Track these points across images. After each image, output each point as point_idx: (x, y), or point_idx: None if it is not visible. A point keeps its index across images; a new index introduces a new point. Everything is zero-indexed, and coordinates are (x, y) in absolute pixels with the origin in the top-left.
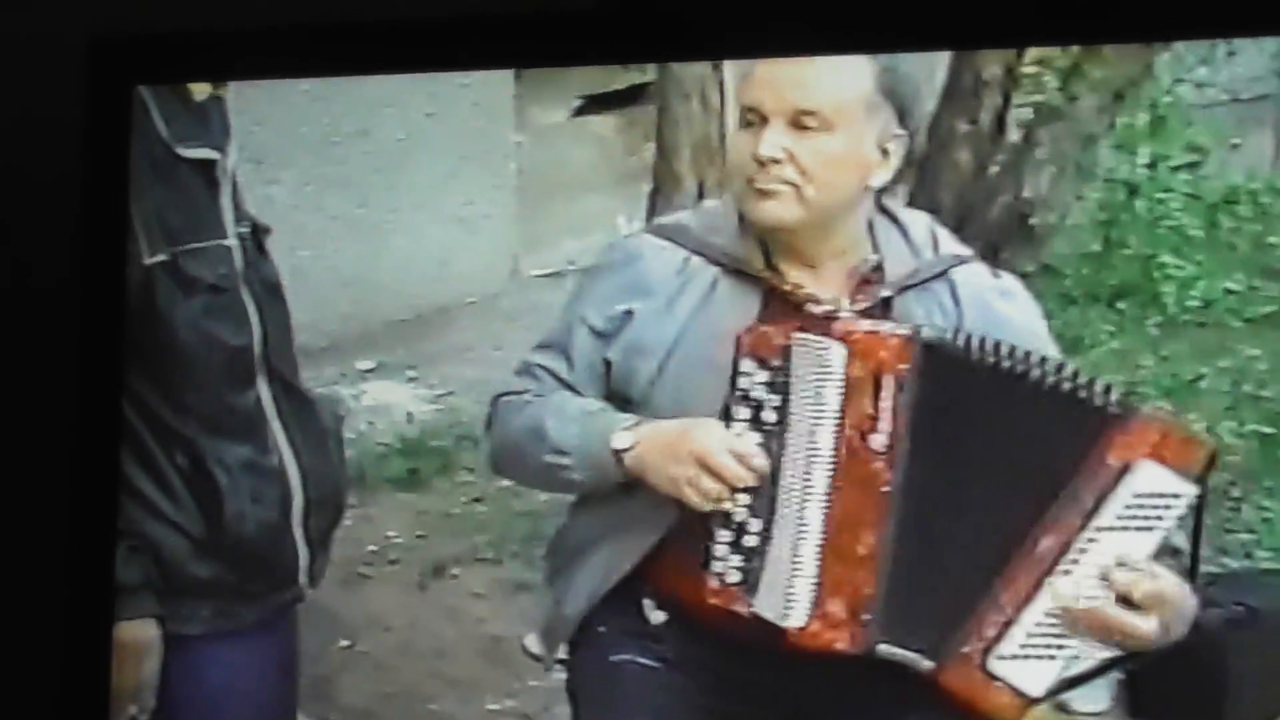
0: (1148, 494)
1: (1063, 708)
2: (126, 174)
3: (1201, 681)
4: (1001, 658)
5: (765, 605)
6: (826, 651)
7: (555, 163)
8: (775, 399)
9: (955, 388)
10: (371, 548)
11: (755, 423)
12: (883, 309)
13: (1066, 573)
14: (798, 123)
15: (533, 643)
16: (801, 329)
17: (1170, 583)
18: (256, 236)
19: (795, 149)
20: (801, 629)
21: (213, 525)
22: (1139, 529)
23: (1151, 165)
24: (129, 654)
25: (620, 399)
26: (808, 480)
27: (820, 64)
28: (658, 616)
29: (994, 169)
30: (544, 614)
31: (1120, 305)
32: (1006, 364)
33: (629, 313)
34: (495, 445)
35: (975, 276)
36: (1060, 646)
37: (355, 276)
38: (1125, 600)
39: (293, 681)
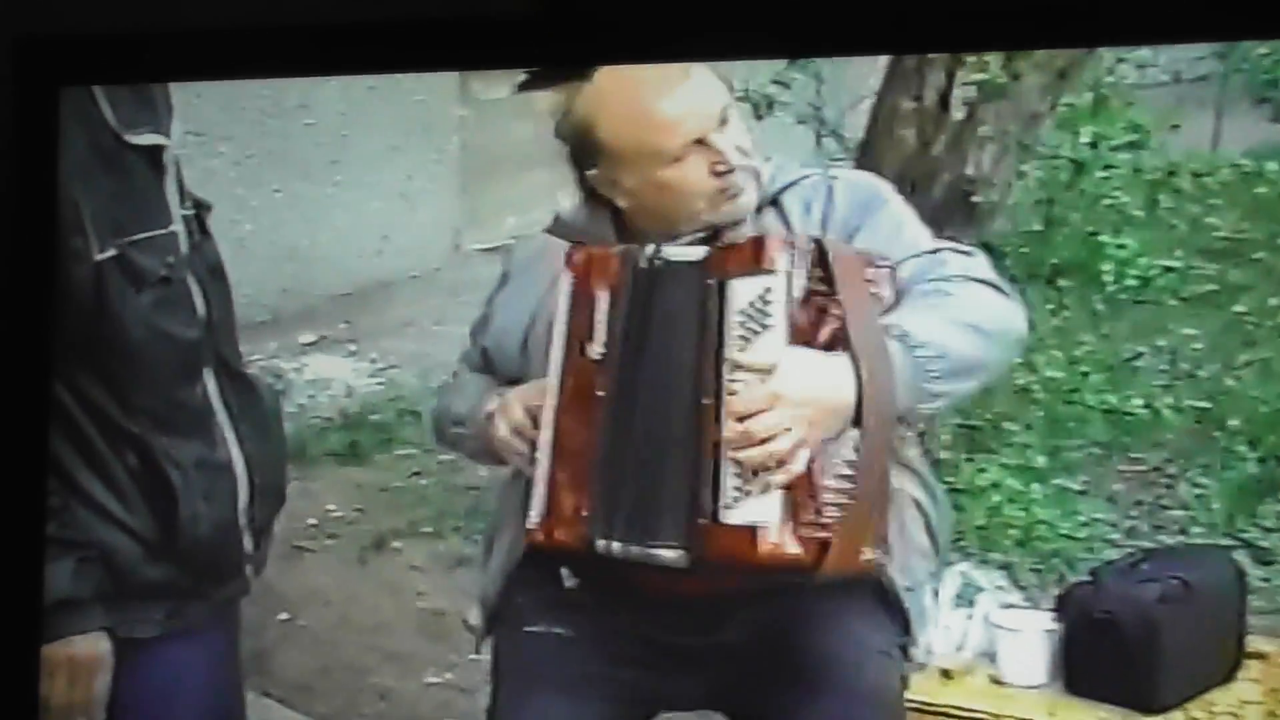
0: (746, 305)
1: (999, 681)
2: (55, 175)
3: (1136, 655)
4: (727, 508)
5: (530, 517)
6: (559, 547)
7: (498, 138)
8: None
9: (657, 295)
10: (311, 521)
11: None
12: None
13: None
14: (720, 126)
15: (474, 617)
16: None
17: (790, 369)
18: (199, 216)
19: (735, 144)
20: (537, 526)
21: (166, 527)
22: (758, 335)
23: (1093, 144)
24: (81, 670)
25: (507, 379)
26: (549, 393)
27: (698, 76)
28: (571, 581)
29: (937, 147)
30: (479, 594)
31: (1061, 283)
32: (661, 257)
33: (492, 304)
34: (431, 420)
35: (801, 190)
36: (765, 479)
37: (296, 250)
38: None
39: (238, 670)
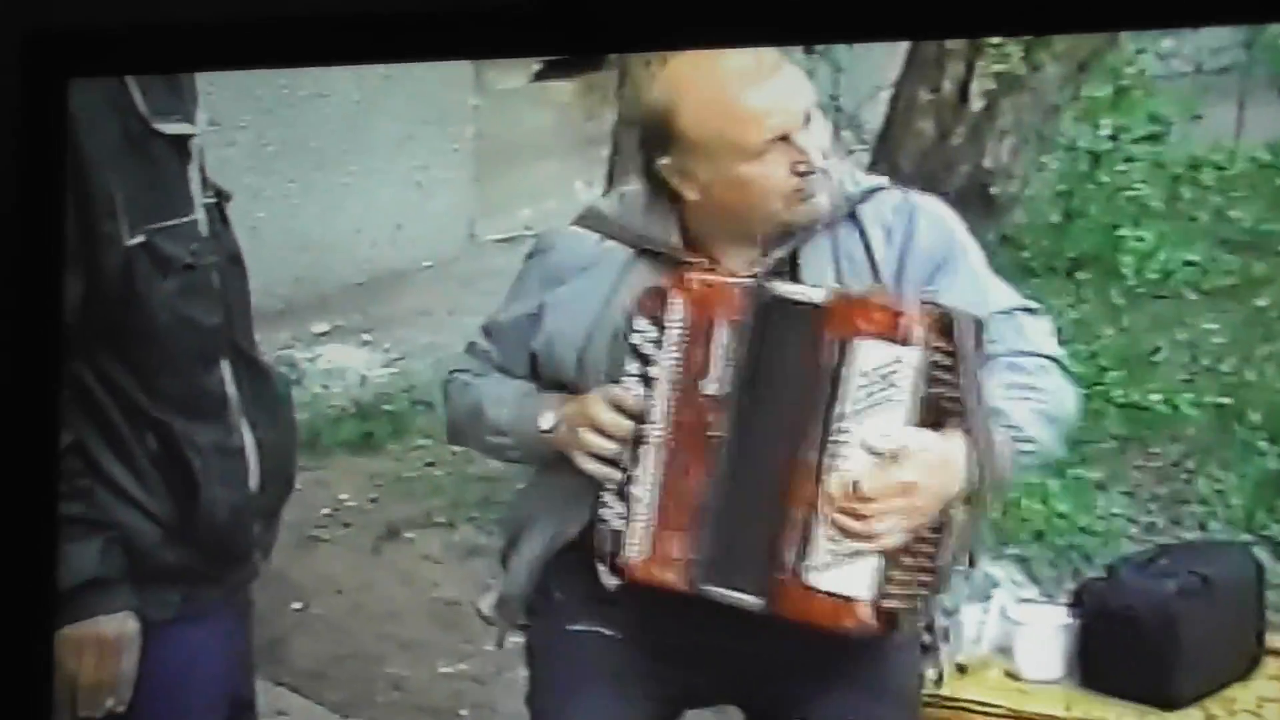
0: (871, 370)
1: (1014, 676)
2: (64, 168)
3: (1153, 650)
4: (815, 570)
5: (630, 548)
6: (661, 587)
7: (513, 127)
8: (658, 352)
9: (777, 333)
10: (325, 511)
11: (643, 378)
12: (790, 265)
13: (832, 473)
14: (805, 125)
15: (487, 606)
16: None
17: (920, 456)
18: (220, 205)
19: (817, 145)
20: (638, 563)
21: (185, 511)
22: (878, 405)
23: (1114, 136)
24: (109, 649)
25: (554, 385)
26: (655, 425)
27: (788, 71)
28: (611, 581)
29: (955, 138)
30: (499, 587)
31: (1079, 276)
32: (772, 292)
33: (542, 305)
34: (448, 421)
35: (880, 208)
36: (856, 549)
37: (310, 239)
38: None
39: (248, 652)
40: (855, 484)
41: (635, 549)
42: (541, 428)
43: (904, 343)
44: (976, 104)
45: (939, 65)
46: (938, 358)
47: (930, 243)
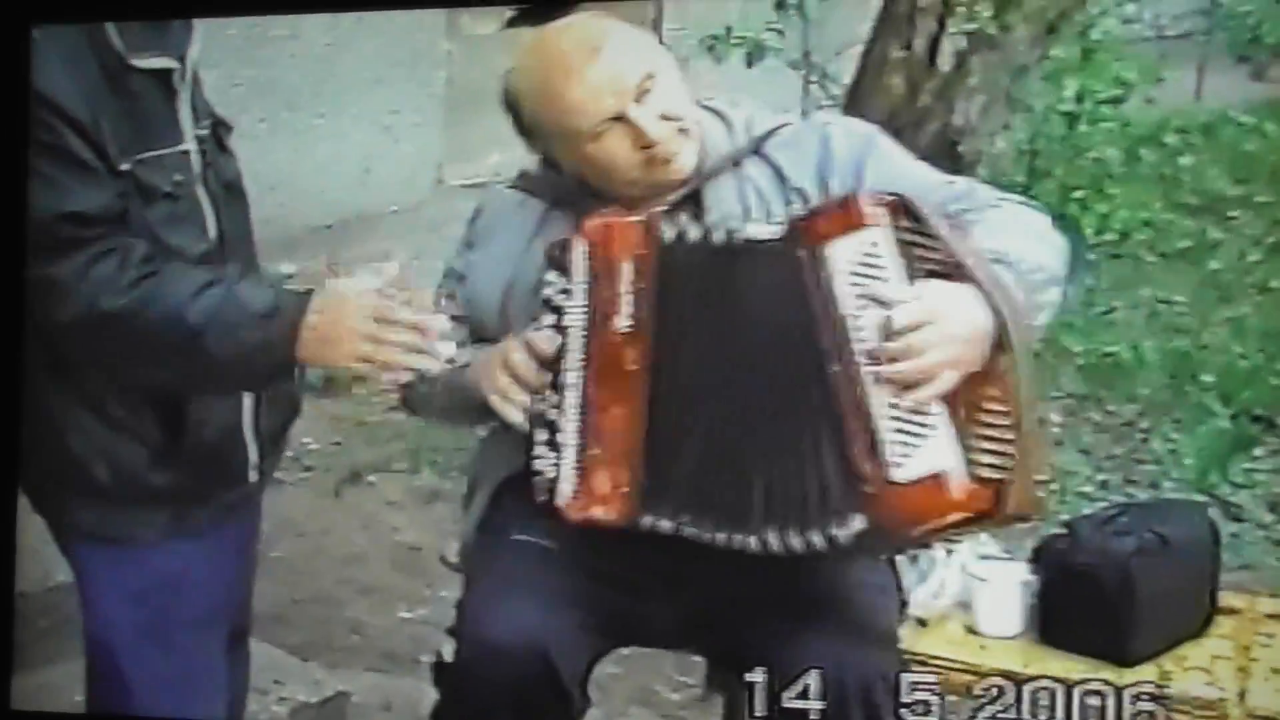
0: (852, 262)
1: (974, 631)
2: (26, 114)
3: (1110, 607)
4: (900, 466)
5: (560, 492)
6: (592, 523)
7: (484, 74)
8: (569, 302)
9: (694, 266)
10: (287, 453)
11: (557, 328)
12: (694, 203)
13: (869, 364)
14: (640, 98)
15: (452, 553)
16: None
17: (931, 292)
18: (217, 134)
19: (660, 111)
20: (568, 504)
21: (173, 432)
22: (874, 290)
23: (1079, 98)
24: None
25: (485, 339)
26: (572, 369)
27: (609, 51)
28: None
29: (925, 96)
30: (461, 534)
31: None
32: (733, 235)
33: (466, 266)
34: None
35: (788, 137)
36: (922, 424)
37: (278, 181)
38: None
39: (246, 567)
40: (888, 320)
41: (562, 492)
42: (465, 361)
43: (867, 225)
44: (946, 62)
45: (910, 22)
46: (904, 235)
47: (847, 147)
